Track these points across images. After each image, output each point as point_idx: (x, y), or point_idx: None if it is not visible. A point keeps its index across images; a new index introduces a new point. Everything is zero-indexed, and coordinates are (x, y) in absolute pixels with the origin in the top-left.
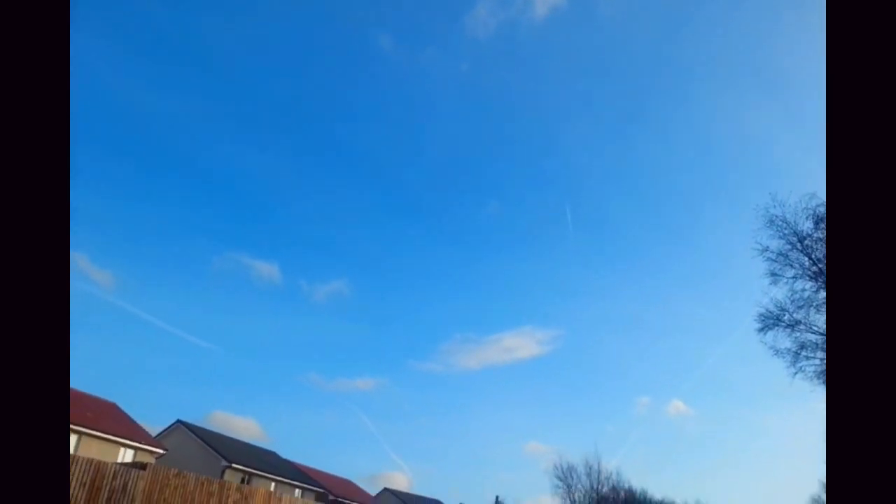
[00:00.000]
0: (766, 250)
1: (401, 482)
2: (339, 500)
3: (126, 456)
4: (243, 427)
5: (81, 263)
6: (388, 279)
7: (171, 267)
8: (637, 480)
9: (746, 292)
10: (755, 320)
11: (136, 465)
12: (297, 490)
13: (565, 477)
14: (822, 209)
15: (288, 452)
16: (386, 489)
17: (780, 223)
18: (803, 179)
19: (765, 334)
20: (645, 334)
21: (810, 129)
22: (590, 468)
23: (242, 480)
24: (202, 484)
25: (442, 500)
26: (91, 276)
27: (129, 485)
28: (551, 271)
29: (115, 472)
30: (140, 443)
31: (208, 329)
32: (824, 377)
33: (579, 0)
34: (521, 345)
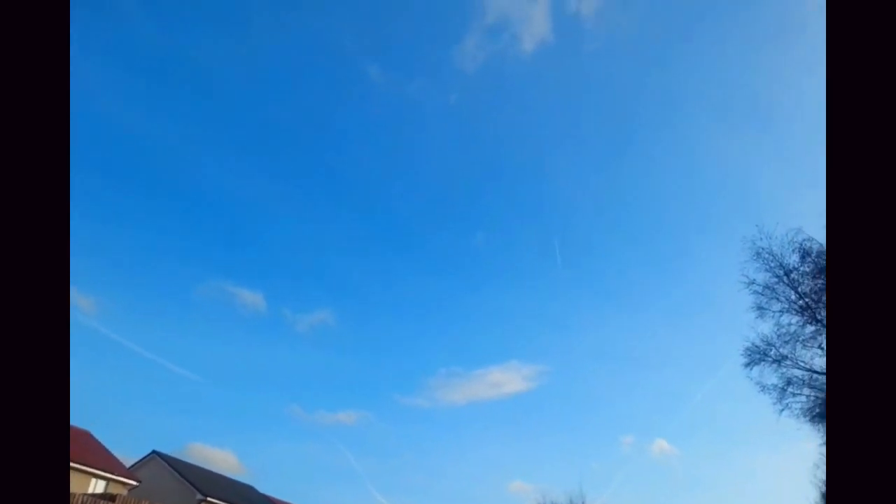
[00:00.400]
0: (753, 283)
1: None
2: None
3: (97, 487)
4: (221, 459)
5: None
6: (374, 310)
7: (155, 293)
8: None
9: (734, 327)
10: (742, 355)
11: (105, 497)
12: None
13: None
14: (809, 243)
15: (266, 487)
16: None
17: (767, 256)
18: (790, 213)
19: (751, 369)
20: (632, 369)
21: (798, 164)
22: None
23: None
24: None
25: None
26: (74, 301)
27: None
28: (539, 305)
29: (81, 503)
30: (113, 474)
31: (189, 358)
32: (811, 415)
33: (566, 35)
34: (507, 380)
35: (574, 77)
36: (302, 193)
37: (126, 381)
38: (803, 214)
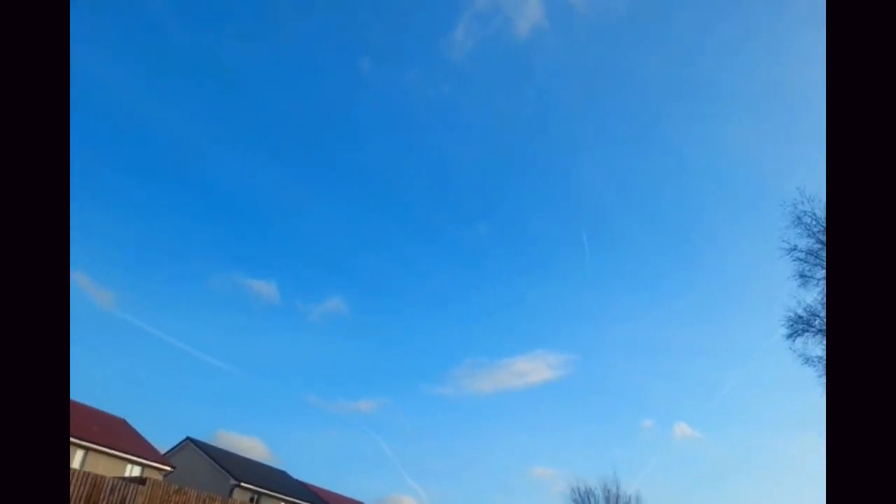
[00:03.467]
0: (794, 249)
1: None
2: None
3: (133, 472)
4: (249, 446)
5: (82, 282)
6: (390, 300)
7: (171, 284)
8: None
9: (766, 314)
10: (783, 325)
11: (136, 480)
12: None
13: (582, 500)
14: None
15: (296, 473)
16: None
17: (809, 220)
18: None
19: (793, 341)
20: (663, 359)
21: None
22: (608, 492)
23: (251, 500)
24: (203, 501)
25: None
26: (92, 294)
27: (128, 500)
28: (566, 295)
29: (112, 486)
30: (148, 459)
31: (211, 347)
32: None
33: (559, 20)
34: (532, 369)
35: (593, 63)
36: (311, 185)
37: (156, 370)
38: None
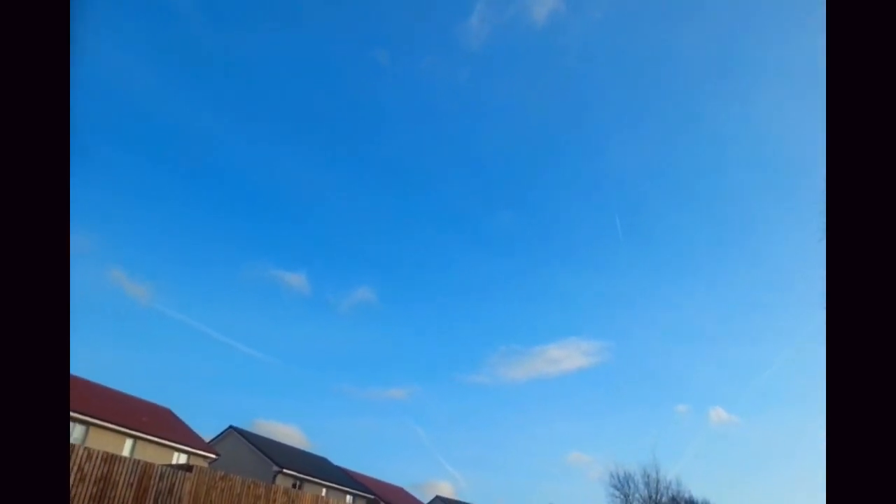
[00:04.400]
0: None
1: (445, 491)
2: None
3: (180, 460)
4: (287, 434)
5: (117, 277)
6: (426, 290)
7: (203, 277)
8: (699, 491)
9: (811, 297)
10: (824, 308)
11: (183, 468)
12: (348, 496)
13: (622, 486)
14: None
15: (336, 459)
16: (438, 497)
17: None
18: None
19: None
20: (702, 345)
21: None
22: (648, 477)
23: (293, 485)
24: (248, 487)
25: None
26: (127, 289)
27: (176, 486)
28: (600, 282)
29: (161, 473)
30: (193, 448)
31: (247, 337)
32: None
33: (583, 3)
34: (566, 356)
35: (625, 48)
36: (337, 177)
37: (189, 358)
38: None
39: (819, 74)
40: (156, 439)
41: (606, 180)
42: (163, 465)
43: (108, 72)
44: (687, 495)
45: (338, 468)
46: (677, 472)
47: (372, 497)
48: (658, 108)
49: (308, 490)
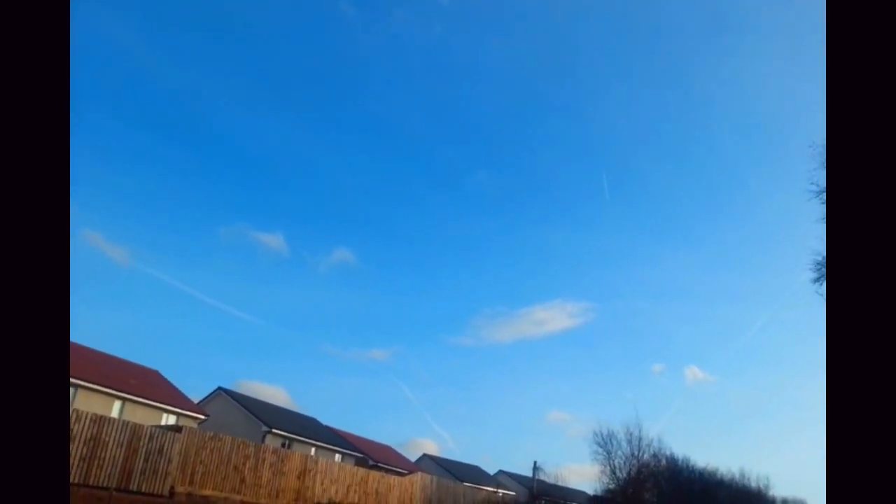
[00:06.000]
0: (823, 192)
1: (431, 449)
2: (379, 465)
3: (169, 421)
4: (272, 394)
5: (95, 240)
6: (411, 250)
7: (181, 236)
8: (679, 448)
9: (795, 258)
10: (811, 269)
11: (173, 428)
12: (336, 455)
13: (605, 443)
14: None
15: (325, 419)
16: (426, 455)
17: None
18: None
19: (820, 284)
20: (686, 303)
21: None
22: (630, 435)
23: (283, 445)
24: (238, 447)
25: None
26: (105, 251)
27: (166, 447)
28: (586, 242)
29: (151, 434)
30: (182, 409)
31: (227, 296)
32: None
33: None
34: (551, 318)
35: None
36: (316, 138)
37: (171, 318)
38: None
39: (810, 39)
40: (144, 401)
41: (594, 138)
42: (152, 426)
43: (78, 31)
44: (668, 453)
45: (326, 428)
46: (659, 430)
47: (360, 456)
48: (646, 65)
49: (297, 450)
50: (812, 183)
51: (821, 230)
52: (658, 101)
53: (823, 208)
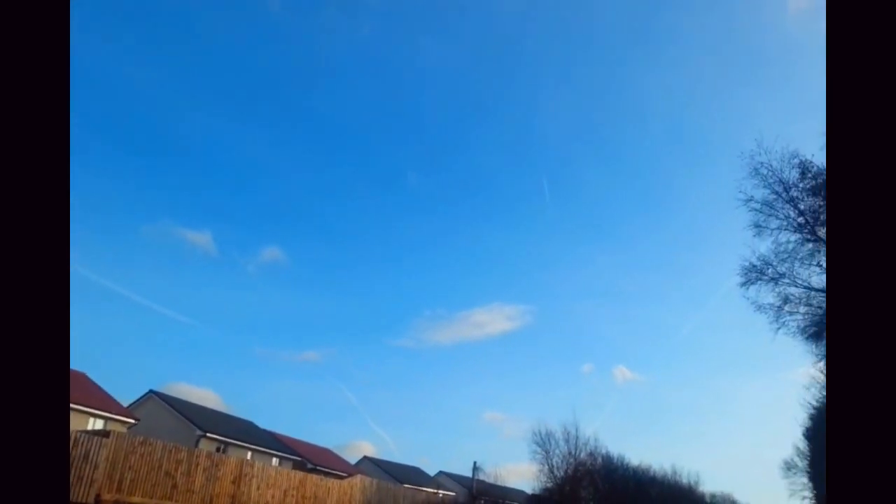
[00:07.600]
0: (751, 200)
1: (370, 451)
2: (318, 468)
3: (96, 426)
4: (202, 398)
5: None
6: (348, 251)
7: (104, 235)
8: (614, 447)
9: (723, 261)
10: (738, 274)
11: (99, 433)
12: (274, 459)
13: (544, 443)
14: (809, 161)
15: (262, 423)
16: (365, 457)
17: (766, 171)
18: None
19: (747, 289)
20: (619, 304)
21: (795, 100)
22: (568, 434)
23: (218, 450)
24: (170, 452)
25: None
26: None
27: (92, 452)
28: (527, 244)
29: (75, 439)
30: (111, 413)
31: (153, 294)
32: (807, 333)
33: None
34: (490, 320)
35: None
36: (247, 133)
37: (106, 322)
38: (800, 148)
39: (736, 42)
40: (70, 405)
41: (533, 141)
42: (77, 431)
43: None
44: (604, 451)
45: (264, 431)
46: (595, 429)
47: (299, 459)
48: (584, 72)
49: (233, 454)
50: (740, 191)
51: (748, 237)
52: (595, 106)
53: (751, 216)
